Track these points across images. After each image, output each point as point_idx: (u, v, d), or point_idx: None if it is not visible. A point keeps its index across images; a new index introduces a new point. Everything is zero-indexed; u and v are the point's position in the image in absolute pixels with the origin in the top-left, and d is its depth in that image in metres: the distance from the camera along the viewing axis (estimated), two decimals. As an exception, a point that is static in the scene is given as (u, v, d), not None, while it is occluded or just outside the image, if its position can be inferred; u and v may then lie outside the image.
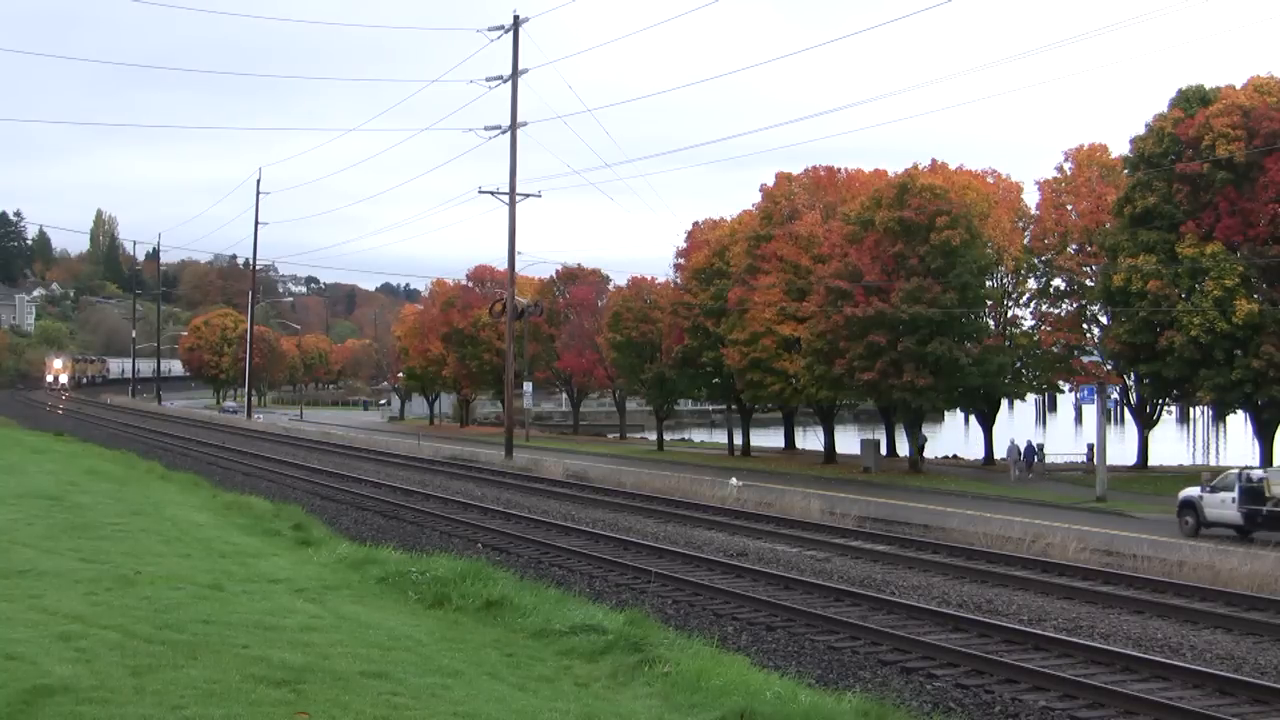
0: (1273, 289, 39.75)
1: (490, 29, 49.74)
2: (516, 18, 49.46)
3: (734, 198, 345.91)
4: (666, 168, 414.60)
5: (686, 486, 36.99)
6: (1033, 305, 53.61)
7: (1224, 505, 31.52)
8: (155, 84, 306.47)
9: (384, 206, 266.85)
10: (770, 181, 59.36)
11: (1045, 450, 56.12)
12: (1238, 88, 41.70)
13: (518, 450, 52.61)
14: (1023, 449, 51.01)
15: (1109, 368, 47.04)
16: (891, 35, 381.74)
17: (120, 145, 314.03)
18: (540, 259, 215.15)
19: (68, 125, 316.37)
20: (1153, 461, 54.55)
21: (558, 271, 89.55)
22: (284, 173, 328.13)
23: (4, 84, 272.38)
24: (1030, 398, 66.84)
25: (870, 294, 46.66)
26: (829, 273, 49.54)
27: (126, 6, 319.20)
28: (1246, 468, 34.05)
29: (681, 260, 64.63)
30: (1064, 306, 52.08)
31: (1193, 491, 32.76)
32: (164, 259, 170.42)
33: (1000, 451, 54.03)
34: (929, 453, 59.22)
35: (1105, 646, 15.17)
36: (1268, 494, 30.51)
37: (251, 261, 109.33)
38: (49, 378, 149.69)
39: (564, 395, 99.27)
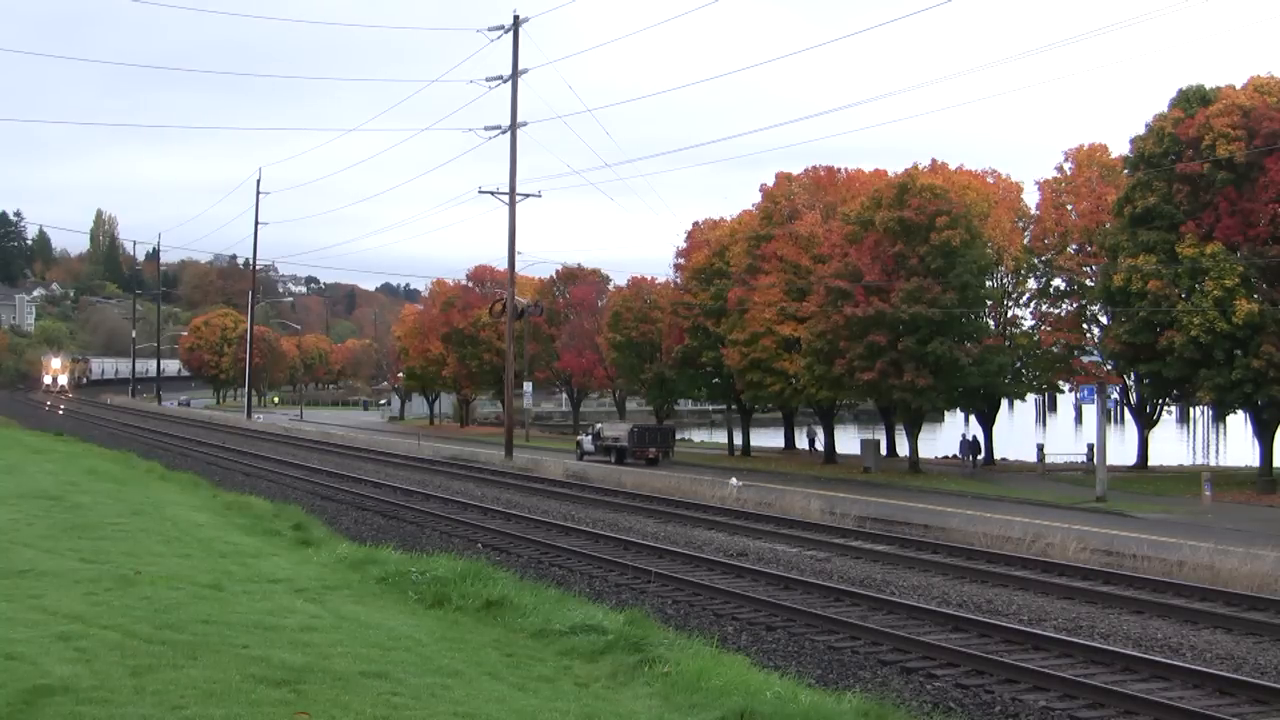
0: (1273, 289, 39.71)
1: (490, 29, 49.82)
2: (516, 18, 49.49)
3: (734, 198, 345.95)
4: (667, 168, 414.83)
5: (686, 486, 37.00)
6: (1033, 305, 53.55)
7: (589, 443, 55.08)
8: (158, 84, 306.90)
9: (384, 206, 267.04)
10: (770, 181, 59.34)
11: (1045, 450, 56.42)
12: (1238, 88, 41.58)
13: (518, 450, 52.61)
14: (970, 444, 52.76)
15: (1109, 368, 46.97)
16: (892, 35, 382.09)
17: (120, 145, 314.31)
18: (540, 259, 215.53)
19: (69, 125, 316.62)
20: (1153, 461, 54.52)
21: (558, 271, 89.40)
22: (284, 173, 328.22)
23: (6, 84, 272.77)
24: (1030, 398, 66.75)
25: (870, 294, 46.59)
26: (829, 273, 49.47)
27: (129, 8, 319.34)
28: (597, 423, 63.77)
29: (681, 260, 64.50)
30: (1064, 306, 52.02)
31: (581, 436, 58.26)
32: (164, 259, 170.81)
33: (1000, 452, 54.43)
34: (928, 453, 59.14)
35: (1105, 646, 15.18)
36: (602, 435, 54.96)
37: (251, 261, 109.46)
38: (46, 378, 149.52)
39: (564, 395, 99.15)
